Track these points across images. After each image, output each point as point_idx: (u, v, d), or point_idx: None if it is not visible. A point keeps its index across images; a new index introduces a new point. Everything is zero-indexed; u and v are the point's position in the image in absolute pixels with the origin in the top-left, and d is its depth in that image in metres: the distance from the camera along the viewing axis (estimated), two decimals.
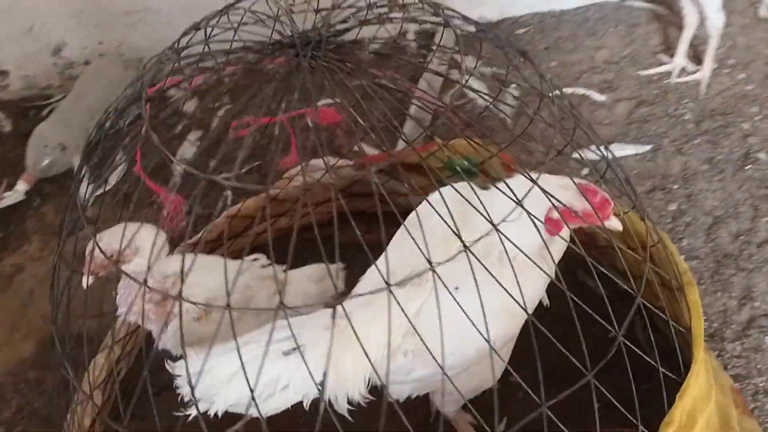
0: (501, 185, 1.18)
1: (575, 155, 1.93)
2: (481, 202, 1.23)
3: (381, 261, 1.28)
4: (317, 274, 1.41)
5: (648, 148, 2.03)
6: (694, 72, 2.21)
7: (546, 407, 0.93)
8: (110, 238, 1.33)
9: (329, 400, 1.24)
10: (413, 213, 1.30)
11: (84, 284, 1.36)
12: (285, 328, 1.19)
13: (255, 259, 1.44)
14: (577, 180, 1.14)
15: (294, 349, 1.17)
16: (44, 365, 1.77)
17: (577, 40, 2.43)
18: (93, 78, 2.35)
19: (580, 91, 2.23)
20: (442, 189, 1.28)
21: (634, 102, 2.18)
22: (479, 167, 1.64)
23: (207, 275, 1.22)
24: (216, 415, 1.19)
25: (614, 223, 1.15)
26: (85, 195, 1.47)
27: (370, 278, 1.28)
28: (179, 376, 1.19)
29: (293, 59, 1.10)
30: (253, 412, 1.20)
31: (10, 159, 2.31)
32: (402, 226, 1.31)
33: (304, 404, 1.21)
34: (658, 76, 2.24)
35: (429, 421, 1.56)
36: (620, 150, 2.02)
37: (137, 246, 1.34)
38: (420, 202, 1.81)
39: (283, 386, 1.18)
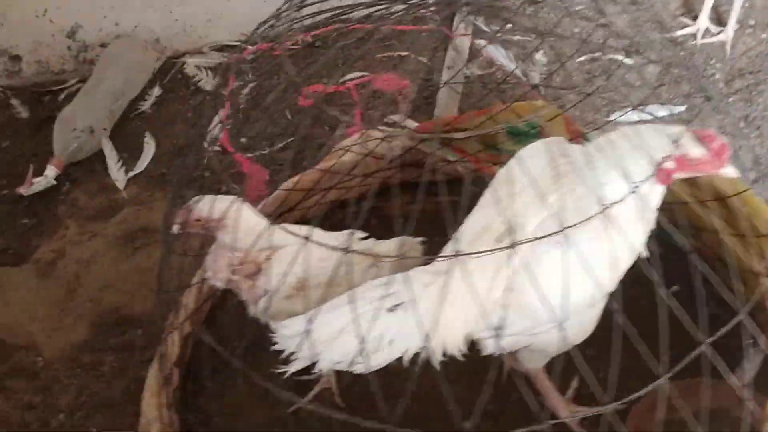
0: (607, 136, 1.18)
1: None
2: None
3: (473, 219, 1.28)
4: (403, 247, 1.40)
5: (683, 108, 2.06)
6: (718, 33, 2.24)
7: (708, 343, 0.93)
8: (210, 206, 1.29)
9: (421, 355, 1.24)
10: (504, 169, 1.30)
11: (174, 230, 1.34)
12: (387, 286, 1.20)
13: (351, 234, 1.42)
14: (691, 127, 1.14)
15: (398, 305, 1.18)
16: (98, 348, 1.73)
17: (597, 6, 2.43)
18: (114, 60, 2.29)
19: (609, 55, 2.24)
20: (533, 143, 1.28)
21: (662, 64, 2.20)
22: (538, 130, 1.65)
23: (296, 250, 1.21)
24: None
25: (730, 171, 1.15)
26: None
27: (463, 236, 1.28)
28: (284, 334, 1.19)
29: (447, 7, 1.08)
30: (358, 369, 1.21)
31: (31, 145, 2.26)
32: (492, 183, 1.31)
33: (404, 360, 1.22)
34: (683, 38, 2.27)
35: (502, 380, 1.57)
36: (656, 111, 2.04)
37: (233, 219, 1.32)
38: (469, 170, 1.82)
39: (389, 341, 1.19)
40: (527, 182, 1.23)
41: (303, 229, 1.20)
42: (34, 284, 1.85)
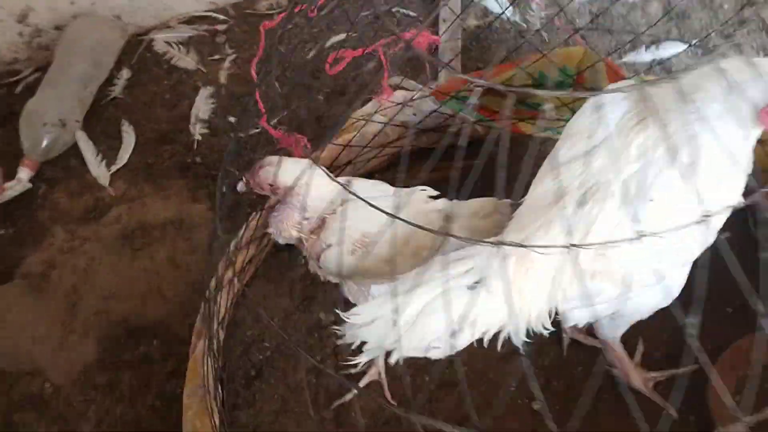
0: (690, 77, 1.06)
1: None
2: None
3: (544, 181, 1.16)
4: (485, 209, 1.28)
5: (696, 42, 1.96)
6: None
7: None
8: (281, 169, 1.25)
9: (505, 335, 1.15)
10: (574, 121, 1.17)
11: (239, 188, 1.32)
12: (464, 262, 1.09)
13: (422, 190, 1.31)
14: None
15: (478, 281, 1.08)
16: (112, 365, 1.57)
17: None
18: (76, 42, 2.06)
19: None
20: (609, 87, 1.16)
21: None
22: (574, 78, 1.52)
23: (362, 204, 1.09)
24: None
25: None
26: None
27: (535, 200, 1.16)
28: (354, 324, 1.10)
29: None
30: (434, 354, 1.12)
31: None
32: (563, 138, 1.19)
33: (484, 340, 1.13)
34: None
35: (564, 355, 1.48)
36: (671, 48, 1.94)
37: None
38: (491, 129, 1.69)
39: (471, 322, 1.09)
40: (609, 132, 1.11)
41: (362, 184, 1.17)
42: (28, 302, 1.66)
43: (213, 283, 1.38)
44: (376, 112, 1.54)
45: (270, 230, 1.32)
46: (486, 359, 1.44)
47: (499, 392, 1.46)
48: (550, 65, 1.49)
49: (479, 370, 1.46)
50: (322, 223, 1.28)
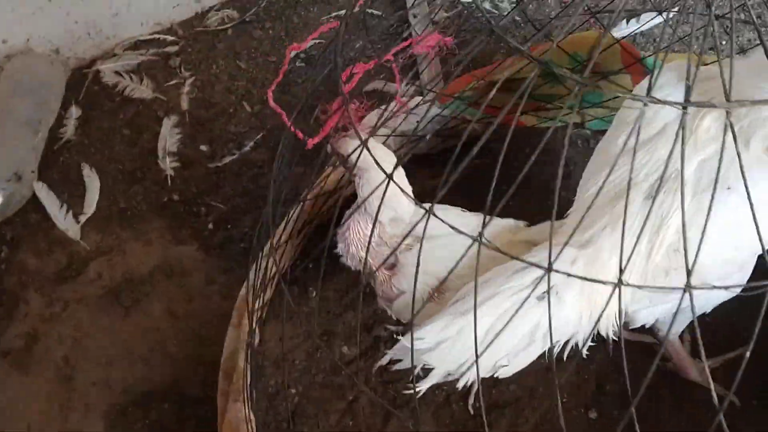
0: (748, 60, 0.99)
1: None
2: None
3: (599, 175, 1.08)
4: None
5: (674, 10, 1.90)
6: None
7: None
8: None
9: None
10: (622, 111, 1.09)
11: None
12: (530, 271, 1.02)
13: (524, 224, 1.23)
14: None
15: (546, 292, 0.98)
16: None
17: None
18: (16, 84, 1.87)
19: None
20: (659, 71, 1.08)
21: None
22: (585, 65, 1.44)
23: (442, 244, 1.05)
24: None
25: None
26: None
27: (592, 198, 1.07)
28: (418, 349, 1.02)
29: None
30: (503, 373, 1.07)
31: None
32: (614, 128, 1.12)
33: (554, 351, 1.05)
34: None
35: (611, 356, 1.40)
36: (650, 18, 1.88)
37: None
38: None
39: (544, 333, 1.03)
40: (671, 117, 1.03)
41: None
42: (15, 382, 1.48)
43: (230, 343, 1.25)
44: (380, 124, 1.42)
45: (339, 247, 1.22)
46: (536, 374, 1.35)
47: (553, 405, 1.38)
48: (559, 53, 1.40)
49: (530, 386, 1.37)
50: (395, 263, 1.18)
